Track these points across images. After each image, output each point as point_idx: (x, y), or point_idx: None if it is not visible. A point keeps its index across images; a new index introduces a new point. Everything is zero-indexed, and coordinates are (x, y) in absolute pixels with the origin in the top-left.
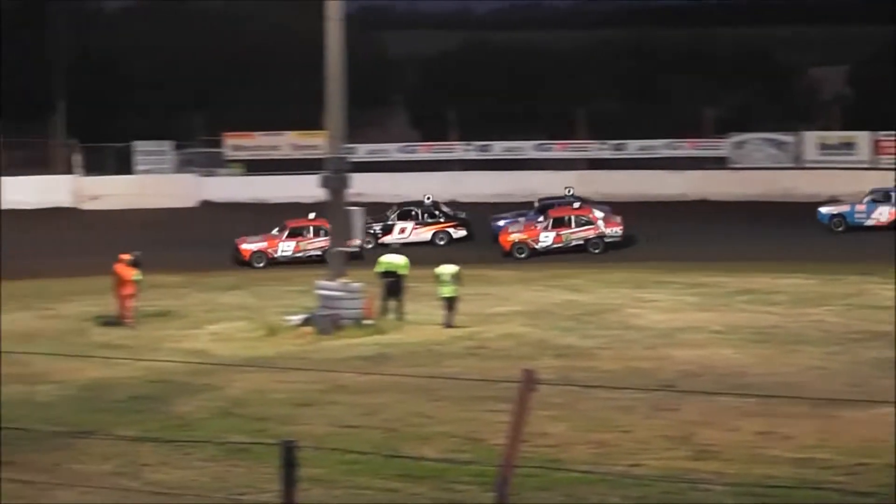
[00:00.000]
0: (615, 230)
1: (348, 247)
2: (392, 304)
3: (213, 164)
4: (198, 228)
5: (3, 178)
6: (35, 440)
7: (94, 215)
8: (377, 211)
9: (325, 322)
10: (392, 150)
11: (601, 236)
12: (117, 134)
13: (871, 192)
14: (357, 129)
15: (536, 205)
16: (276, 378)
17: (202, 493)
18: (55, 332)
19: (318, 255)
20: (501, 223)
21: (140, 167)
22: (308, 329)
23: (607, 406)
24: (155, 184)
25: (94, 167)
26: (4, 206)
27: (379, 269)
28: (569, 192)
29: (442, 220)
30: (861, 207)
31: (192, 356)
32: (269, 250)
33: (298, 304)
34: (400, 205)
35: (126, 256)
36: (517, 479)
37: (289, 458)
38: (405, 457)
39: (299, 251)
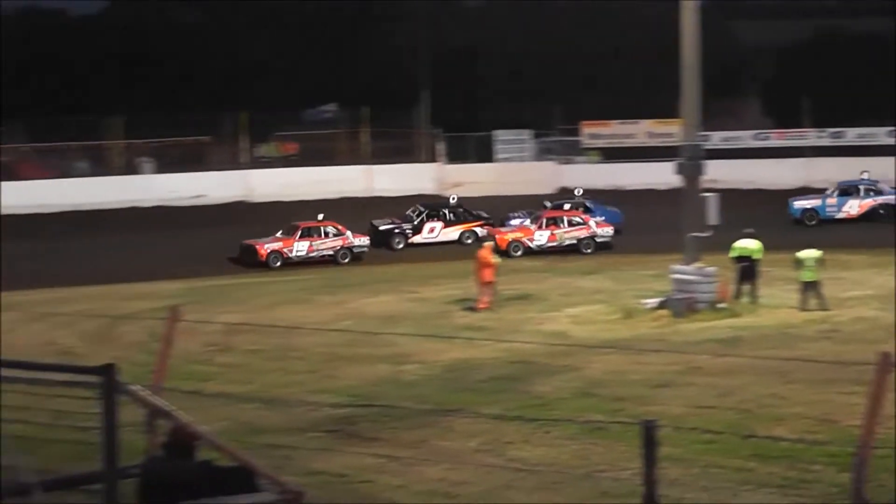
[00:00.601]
0: (606, 230)
1: (703, 233)
2: (746, 287)
3: (570, 151)
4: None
5: (373, 167)
6: (401, 418)
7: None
8: (732, 197)
9: (681, 305)
10: (745, 138)
11: (593, 236)
12: (479, 123)
13: (839, 185)
14: (711, 118)
15: (548, 205)
16: (633, 359)
17: (563, 469)
18: (420, 315)
19: (329, 255)
20: (514, 222)
21: (500, 155)
22: (664, 312)
23: None
24: (515, 171)
25: (457, 155)
26: (374, 194)
27: (733, 253)
28: (579, 192)
29: (469, 219)
30: (832, 201)
31: (551, 338)
32: (285, 250)
33: (653, 288)
34: (424, 205)
35: (488, 243)
36: (872, 461)
37: (649, 437)
38: (760, 437)
39: (313, 251)
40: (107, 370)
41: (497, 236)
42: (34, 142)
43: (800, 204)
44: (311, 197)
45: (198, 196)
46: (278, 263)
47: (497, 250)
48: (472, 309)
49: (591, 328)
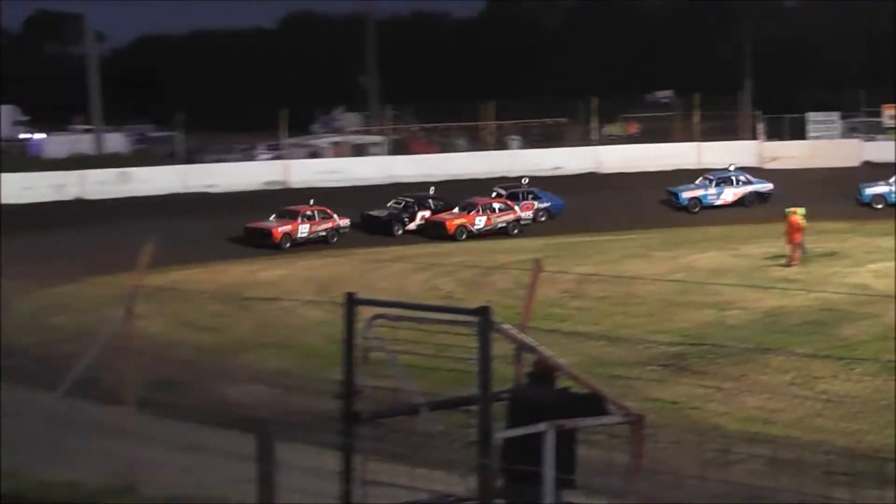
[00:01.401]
0: (528, 213)
1: None
2: None
3: (873, 130)
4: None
5: (702, 144)
6: (725, 355)
7: (773, 174)
8: None
9: None
10: None
11: (517, 219)
12: (793, 106)
13: (715, 176)
14: None
15: (502, 192)
16: None
17: (866, 401)
18: (741, 269)
19: (323, 236)
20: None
21: (811, 134)
22: None
23: None
24: (824, 148)
25: (774, 134)
26: (702, 167)
27: None
28: (525, 181)
29: (448, 208)
30: (713, 191)
31: (854, 289)
32: (292, 232)
33: None
34: (415, 197)
35: (797, 209)
36: None
37: None
38: None
39: (312, 233)
40: (483, 311)
41: (446, 221)
42: (422, 123)
43: (686, 194)
44: (650, 169)
45: (556, 168)
46: (288, 245)
47: (446, 235)
48: (786, 265)
49: (890, 281)
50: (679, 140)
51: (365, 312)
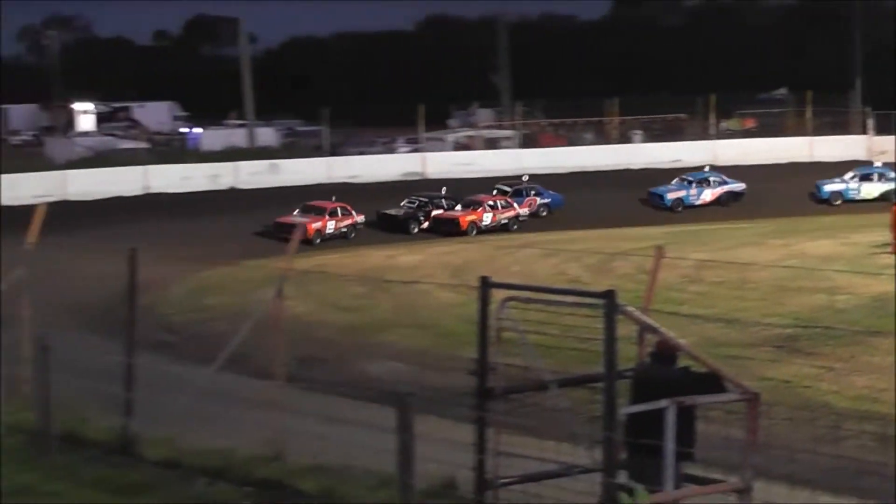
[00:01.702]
0: (525, 210)
1: None
2: None
3: None
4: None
5: (814, 138)
6: (835, 337)
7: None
8: None
9: None
10: None
11: (517, 216)
12: None
13: (688, 176)
14: None
15: (507, 189)
16: None
17: None
18: (850, 256)
19: (344, 232)
20: (458, 208)
21: None
22: None
23: None
24: None
25: (883, 129)
26: (814, 160)
27: None
28: (525, 178)
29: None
30: (693, 191)
31: None
32: (322, 228)
33: None
34: (428, 196)
35: None
36: None
37: None
38: None
39: (337, 230)
40: (609, 294)
41: (459, 217)
42: (550, 118)
43: (670, 195)
44: (764, 162)
45: (675, 161)
46: (318, 241)
47: (459, 231)
48: (891, 252)
49: None
50: (792, 135)
51: (497, 295)
